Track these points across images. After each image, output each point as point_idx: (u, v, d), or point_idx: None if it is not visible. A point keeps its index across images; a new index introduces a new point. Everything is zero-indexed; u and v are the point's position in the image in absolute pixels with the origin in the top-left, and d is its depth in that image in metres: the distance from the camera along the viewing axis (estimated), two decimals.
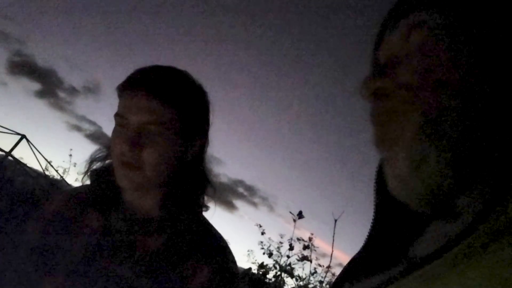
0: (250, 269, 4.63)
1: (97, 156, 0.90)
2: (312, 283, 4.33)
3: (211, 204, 0.91)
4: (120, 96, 0.82)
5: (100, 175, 0.86)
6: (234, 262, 0.88)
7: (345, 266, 0.49)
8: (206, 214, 0.92)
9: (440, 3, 0.39)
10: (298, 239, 4.40)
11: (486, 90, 0.35)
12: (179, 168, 0.85)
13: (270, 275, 4.54)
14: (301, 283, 4.37)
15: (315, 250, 4.30)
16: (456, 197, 0.36)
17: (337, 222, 3.32)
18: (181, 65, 0.87)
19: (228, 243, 0.90)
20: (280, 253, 4.56)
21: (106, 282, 0.76)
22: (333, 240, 3.41)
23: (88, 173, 0.88)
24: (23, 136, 8.01)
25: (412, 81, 0.38)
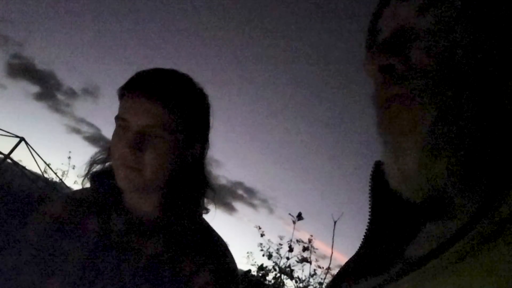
0: (249, 270, 4.61)
1: (97, 159, 0.90)
2: (312, 285, 4.32)
3: (211, 207, 0.92)
4: (121, 98, 0.83)
5: (101, 178, 0.87)
6: (234, 263, 0.89)
7: (341, 267, 0.48)
8: (206, 217, 0.93)
9: None
10: (298, 241, 4.40)
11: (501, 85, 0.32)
12: (180, 170, 0.85)
13: (270, 276, 4.53)
14: (300, 284, 4.36)
15: (314, 252, 4.29)
16: (455, 197, 0.36)
17: (337, 224, 3.31)
18: (181, 67, 0.87)
19: (227, 245, 0.90)
20: (280, 254, 4.56)
21: (107, 285, 0.76)
22: (333, 242, 3.40)
23: (88, 176, 0.88)
24: (21, 139, 8.00)
25: (428, 65, 0.34)
